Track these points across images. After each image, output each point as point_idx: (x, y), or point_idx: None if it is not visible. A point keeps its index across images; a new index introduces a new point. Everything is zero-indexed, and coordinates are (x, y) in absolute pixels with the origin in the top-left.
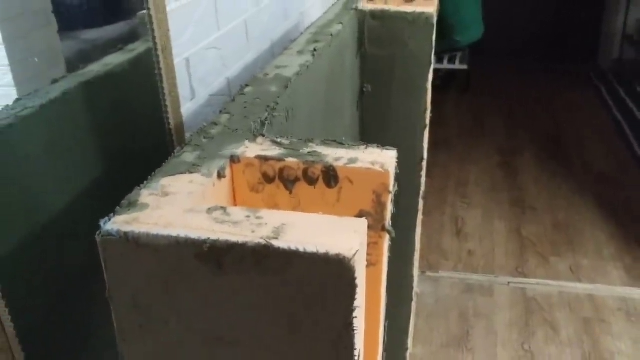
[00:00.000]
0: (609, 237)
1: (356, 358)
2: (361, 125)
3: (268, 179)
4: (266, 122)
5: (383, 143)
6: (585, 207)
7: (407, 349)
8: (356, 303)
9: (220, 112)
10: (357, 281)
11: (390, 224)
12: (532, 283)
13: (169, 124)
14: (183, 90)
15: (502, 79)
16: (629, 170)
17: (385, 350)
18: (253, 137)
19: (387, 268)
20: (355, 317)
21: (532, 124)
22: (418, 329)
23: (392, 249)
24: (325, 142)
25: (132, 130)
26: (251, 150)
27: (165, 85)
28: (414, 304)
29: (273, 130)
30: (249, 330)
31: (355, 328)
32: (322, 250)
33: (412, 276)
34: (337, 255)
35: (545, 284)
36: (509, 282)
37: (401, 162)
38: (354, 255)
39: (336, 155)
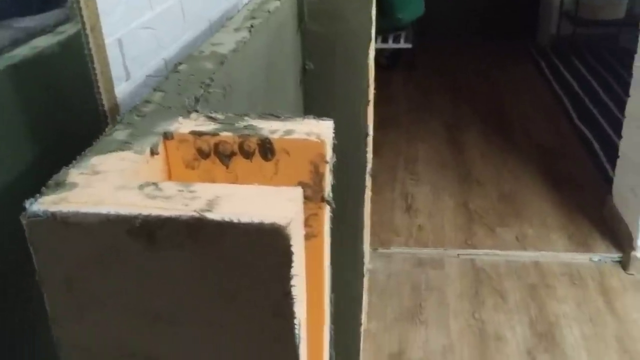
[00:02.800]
0: (553, 206)
1: (296, 327)
2: (305, 102)
3: (203, 154)
4: (200, 98)
5: (326, 118)
6: (530, 178)
7: (361, 324)
8: (293, 272)
9: (154, 90)
10: (294, 249)
11: (331, 195)
12: (480, 254)
13: (102, 105)
14: (116, 71)
15: (447, 56)
16: (569, 142)
17: (338, 324)
18: (187, 114)
19: (330, 240)
20: (294, 285)
21: (477, 100)
22: (372, 305)
23: (342, 225)
24: (262, 116)
25: (64, 112)
26: (185, 126)
27: (96, 65)
28: (366, 280)
29: (210, 107)
30: (188, 305)
31: (294, 297)
32: (256, 220)
33: (362, 252)
34: (272, 225)
35: (493, 254)
36: (458, 254)
37: (346, 138)
38: (289, 223)
39: (272, 128)
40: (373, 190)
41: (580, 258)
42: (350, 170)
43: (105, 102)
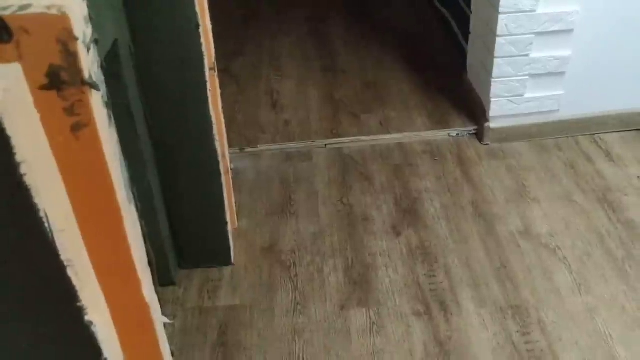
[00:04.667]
0: (414, 89)
1: (44, 219)
2: None
3: None
4: None
5: (152, 11)
6: (392, 64)
7: (226, 224)
8: (19, 158)
9: None
10: (10, 132)
11: (96, 77)
12: (346, 142)
13: None
14: None
15: None
16: (430, 26)
17: (202, 225)
18: None
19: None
20: (25, 174)
21: None
22: (242, 204)
23: (188, 124)
24: None
25: None
26: None
27: None
28: (226, 180)
29: None
30: None
31: (29, 187)
32: None
33: (215, 150)
34: None
35: (358, 140)
36: (325, 145)
37: (177, 32)
38: None
39: (4, 4)
40: (238, 90)
41: (440, 135)
42: (187, 66)
43: None
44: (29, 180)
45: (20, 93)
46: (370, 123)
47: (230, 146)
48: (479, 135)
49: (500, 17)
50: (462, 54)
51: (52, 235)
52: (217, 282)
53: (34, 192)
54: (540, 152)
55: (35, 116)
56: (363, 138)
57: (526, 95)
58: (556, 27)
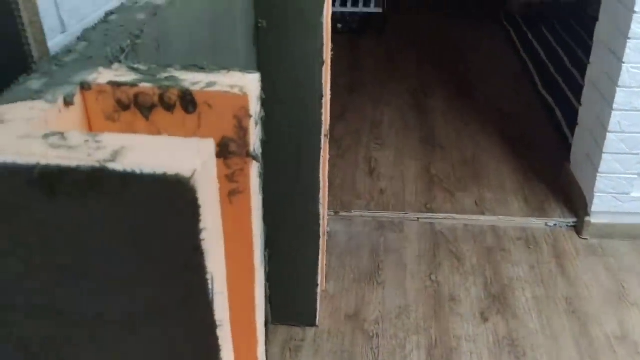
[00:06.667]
0: (511, 171)
1: (209, 282)
2: (258, 61)
3: (123, 106)
4: (127, 49)
5: (281, 80)
6: (491, 144)
7: (317, 285)
8: (203, 225)
9: (78, 39)
10: (201, 202)
11: (257, 150)
12: (439, 218)
13: (32, 57)
14: (50, 21)
15: (416, 22)
16: (532, 108)
17: (294, 285)
18: (109, 64)
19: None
20: (204, 239)
21: (444, 65)
22: (331, 267)
23: (297, 186)
24: (186, 67)
25: None
26: (104, 76)
27: (23, 13)
28: (322, 242)
29: (139, 60)
30: (94, 258)
31: (204, 251)
32: (159, 171)
33: (318, 214)
34: (176, 176)
35: (452, 217)
36: (418, 218)
37: (301, 99)
38: (194, 174)
39: (194, 80)
40: (338, 154)
41: (536, 223)
42: (305, 131)
43: (35, 53)
44: (205, 245)
45: (211, 165)
46: (465, 201)
47: None
48: (578, 228)
49: (614, 113)
50: (564, 143)
51: (213, 296)
52: (300, 342)
53: (206, 256)
54: None
55: (216, 185)
56: (456, 216)
57: (633, 194)
58: None
